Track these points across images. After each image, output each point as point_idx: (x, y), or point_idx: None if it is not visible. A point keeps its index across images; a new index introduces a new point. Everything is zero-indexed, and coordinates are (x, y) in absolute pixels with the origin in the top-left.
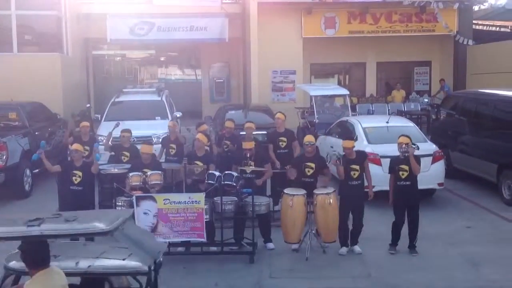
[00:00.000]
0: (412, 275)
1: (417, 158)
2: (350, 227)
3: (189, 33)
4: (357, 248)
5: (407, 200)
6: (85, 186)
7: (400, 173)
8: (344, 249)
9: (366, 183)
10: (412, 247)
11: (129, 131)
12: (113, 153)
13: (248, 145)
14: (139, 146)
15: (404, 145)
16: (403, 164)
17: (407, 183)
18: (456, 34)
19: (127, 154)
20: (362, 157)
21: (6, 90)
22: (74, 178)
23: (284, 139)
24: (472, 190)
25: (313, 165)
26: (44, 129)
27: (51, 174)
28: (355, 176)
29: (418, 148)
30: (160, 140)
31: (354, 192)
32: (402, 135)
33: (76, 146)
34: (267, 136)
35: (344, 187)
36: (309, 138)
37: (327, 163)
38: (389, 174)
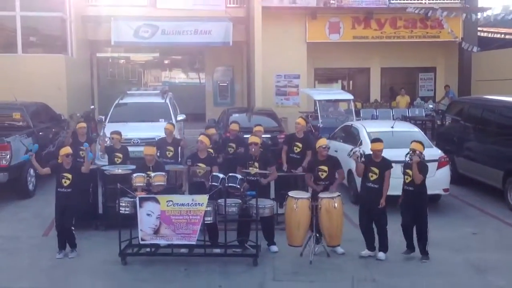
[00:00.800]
0: (417, 280)
1: (425, 166)
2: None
3: (193, 36)
4: (381, 254)
5: (411, 204)
6: (74, 188)
7: (405, 177)
8: (366, 252)
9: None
10: (423, 253)
11: (118, 133)
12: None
13: (254, 138)
14: (142, 148)
15: (412, 152)
16: (409, 169)
17: (410, 188)
18: (461, 41)
19: (120, 155)
20: (385, 166)
21: (11, 90)
22: (63, 180)
23: (300, 144)
24: (477, 196)
25: (326, 168)
26: (48, 130)
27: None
28: (372, 179)
29: (424, 158)
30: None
31: (371, 195)
32: (415, 140)
33: (63, 150)
34: (285, 137)
35: (362, 188)
36: (323, 141)
37: (348, 156)
38: (403, 176)
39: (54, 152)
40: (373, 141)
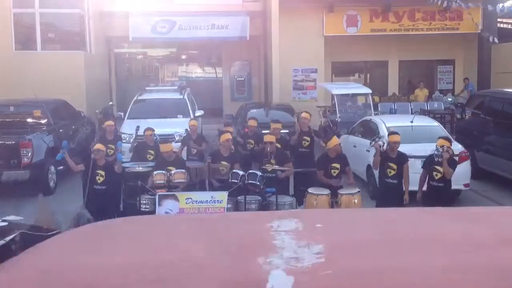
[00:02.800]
0: None
1: (454, 161)
2: None
3: (210, 31)
4: None
5: (438, 201)
6: (109, 185)
7: (434, 173)
8: None
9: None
10: None
11: (152, 129)
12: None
13: (269, 137)
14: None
15: (440, 148)
16: (438, 165)
17: (440, 184)
18: (483, 29)
19: (152, 152)
20: (402, 160)
21: (31, 87)
22: (97, 177)
23: (308, 138)
24: (498, 191)
25: (338, 165)
26: (68, 127)
27: (76, 172)
28: (390, 174)
29: (452, 153)
30: (182, 139)
31: (389, 191)
32: (441, 137)
33: (98, 145)
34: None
35: (381, 184)
36: (336, 140)
37: (370, 145)
38: (422, 169)
39: (74, 149)
40: (391, 133)
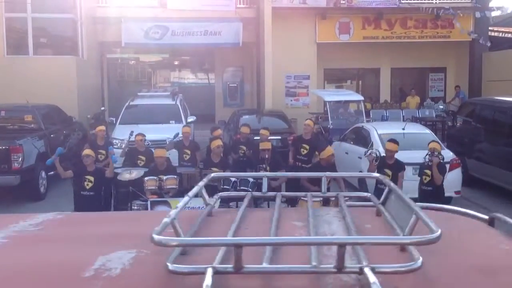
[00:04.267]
0: None
1: (443, 166)
2: None
3: (203, 37)
4: None
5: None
6: (97, 191)
7: (423, 177)
8: None
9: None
10: None
11: (142, 134)
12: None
13: (266, 145)
14: (153, 150)
15: (431, 152)
16: (427, 169)
17: (429, 188)
18: (475, 33)
19: (143, 158)
20: (399, 167)
21: (22, 92)
22: (85, 183)
23: (307, 146)
24: (489, 198)
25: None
26: (59, 132)
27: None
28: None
29: (443, 159)
30: (170, 142)
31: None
32: (433, 141)
33: (87, 151)
34: (293, 139)
35: (375, 190)
36: (331, 150)
37: (363, 155)
38: (419, 177)
39: (65, 154)
40: (389, 141)
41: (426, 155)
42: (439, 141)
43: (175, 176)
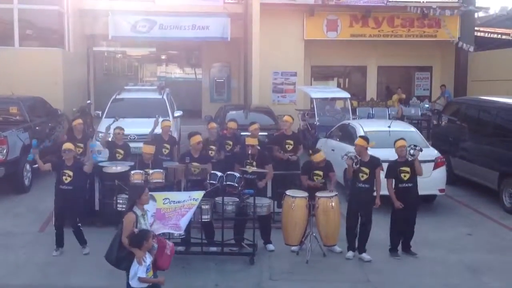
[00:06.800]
0: (411, 281)
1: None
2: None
3: (191, 31)
4: (365, 256)
5: (409, 202)
6: (76, 185)
7: (402, 175)
8: (351, 253)
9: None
10: (408, 249)
11: (121, 128)
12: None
13: (252, 140)
14: (140, 144)
15: (407, 148)
16: (404, 166)
17: (410, 184)
18: (458, 40)
19: (121, 151)
20: (375, 164)
21: (7, 84)
22: (64, 177)
23: (291, 142)
24: (472, 196)
25: (321, 172)
26: (45, 124)
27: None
28: (362, 179)
29: (421, 150)
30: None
31: (361, 195)
32: (401, 138)
33: (67, 145)
34: (273, 138)
35: (353, 188)
36: (322, 155)
37: (341, 158)
38: (387, 179)
39: (51, 147)
40: (359, 137)
41: (408, 150)
42: (423, 139)
43: (161, 170)
